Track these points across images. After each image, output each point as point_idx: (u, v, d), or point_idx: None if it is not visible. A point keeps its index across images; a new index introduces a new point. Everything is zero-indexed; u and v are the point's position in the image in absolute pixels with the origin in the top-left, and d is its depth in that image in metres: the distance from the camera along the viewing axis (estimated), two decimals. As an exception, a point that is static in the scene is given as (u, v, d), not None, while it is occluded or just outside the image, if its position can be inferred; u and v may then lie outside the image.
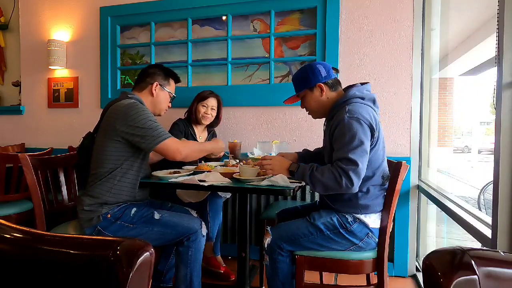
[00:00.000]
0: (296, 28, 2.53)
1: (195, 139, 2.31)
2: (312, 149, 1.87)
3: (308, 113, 1.64)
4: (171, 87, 1.82)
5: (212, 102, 2.32)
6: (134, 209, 1.57)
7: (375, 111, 1.47)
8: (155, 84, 1.73)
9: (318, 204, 1.70)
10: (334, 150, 1.40)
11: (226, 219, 2.60)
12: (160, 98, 1.76)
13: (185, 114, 2.39)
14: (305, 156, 1.79)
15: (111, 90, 2.90)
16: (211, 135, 2.47)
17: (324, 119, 1.63)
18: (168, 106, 1.84)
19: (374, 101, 1.50)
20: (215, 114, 2.36)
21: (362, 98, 1.46)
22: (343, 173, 1.31)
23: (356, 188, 1.33)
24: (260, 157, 2.03)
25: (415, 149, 2.33)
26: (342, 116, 1.38)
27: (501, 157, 1.13)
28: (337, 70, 1.60)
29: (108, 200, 1.55)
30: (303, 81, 1.55)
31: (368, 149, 1.37)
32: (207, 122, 2.34)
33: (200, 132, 2.39)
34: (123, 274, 0.56)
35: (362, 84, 1.53)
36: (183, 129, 2.28)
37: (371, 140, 1.39)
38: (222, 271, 2.21)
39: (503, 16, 1.13)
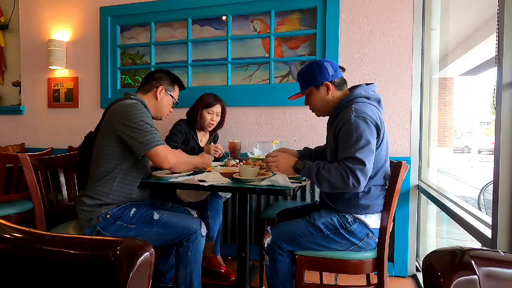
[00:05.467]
0: (296, 28, 2.52)
1: (196, 143, 2.31)
2: (312, 148, 1.86)
3: (312, 111, 1.62)
4: (175, 93, 1.83)
5: (217, 108, 2.31)
6: (133, 210, 1.57)
7: (379, 111, 1.47)
8: (160, 87, 1.74)
9: (318, 204, 1.69)
10: (340, 149, 1.39)
11: (226, 219, 2.60)
12: (163, 102, 1.77)
13: (186, 115, 2.38)
14: (306, 154, 1.78)
15: (111, 90, 2.90)
16: (213, 138, 2.46)
17: (324, 117, 1.63)
18: (170, 111, 1.84)
19: (379, 102, 1.50)
20: (219, 119, 2.35)
21: (368, 98, 1.46)
22: (350, 172, 1.31)
23: (362, 188, 1.34)
24: (260, 156, 2.03)
25: (415, 149, 2.33)
26: (348, 115, 1.38)
27: (501, 157, 1.13)
28: (343, 69, 1.57)
29: (108, 201, 1.54)
30: (310, 78, 1.53)
31: (374, 148, 1.37)
32: (211, 129, 2.34)
33: (202, 136, 2.39)
34: (123, 274, 0.56)
35: (367, 84, 1.52)
36: (185, 131, 2.28)
37: (376, 140, 1.39)
38: (223, 271, 2.21)
39: (503, 16, 1.13)
